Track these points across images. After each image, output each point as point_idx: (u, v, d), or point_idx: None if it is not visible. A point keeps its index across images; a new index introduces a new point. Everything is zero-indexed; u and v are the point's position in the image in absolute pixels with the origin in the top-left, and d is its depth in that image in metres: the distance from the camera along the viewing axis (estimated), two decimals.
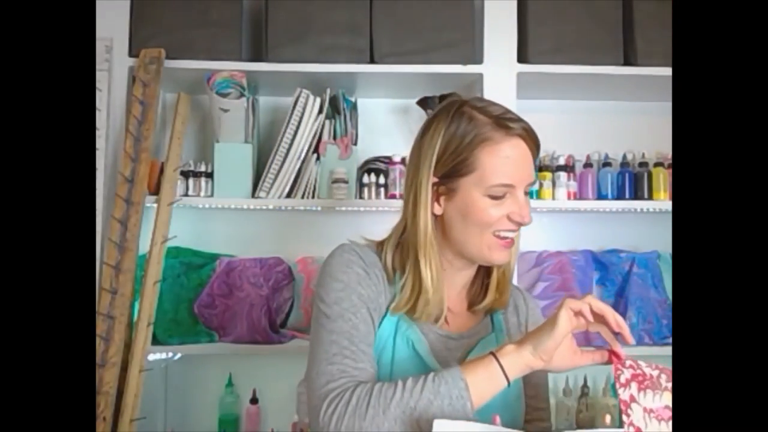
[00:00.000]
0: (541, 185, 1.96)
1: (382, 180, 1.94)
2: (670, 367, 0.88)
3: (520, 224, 1.02)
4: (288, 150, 1.86)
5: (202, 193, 1.90)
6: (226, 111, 1.84)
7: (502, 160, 0.99)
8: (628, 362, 0.91)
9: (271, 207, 1.93)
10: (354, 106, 1.99)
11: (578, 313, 0.92)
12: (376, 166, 1.98)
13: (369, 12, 1.86)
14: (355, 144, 1.96)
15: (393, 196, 1.89)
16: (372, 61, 1.87)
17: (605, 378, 1.99)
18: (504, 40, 1.90)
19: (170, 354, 1.95)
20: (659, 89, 1.97)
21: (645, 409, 0.87)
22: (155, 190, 1.83)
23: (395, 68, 1.87)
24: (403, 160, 1.89)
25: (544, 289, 1.95)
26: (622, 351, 0.93)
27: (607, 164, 2.01)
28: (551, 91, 2.07)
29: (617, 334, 0.93)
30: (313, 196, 1.88)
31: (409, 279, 1.02)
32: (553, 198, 1.96)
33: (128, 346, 1.71)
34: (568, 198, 1.96)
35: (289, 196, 1.87)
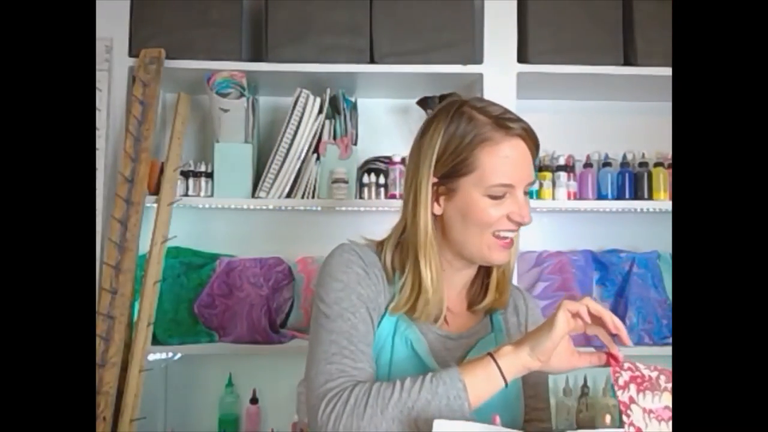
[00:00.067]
0: (541, 185, 1.96)
1: (382, 180, 1.94)
2: (670, 368, 0.89)
3: (519, 224, 1.02)
4: (288, 150, 1.86)
5: (202, 193, 1.90)
6: (226, 111, 1.85)
7: (502, 160, 0.99)
8: (626, 365, 0.91)
9: (271, 207, 1.93)
10: (354, 106, 1.99)
11: (576, 315, 0.92)
12: (376, 166, 1.98)
13: (369, 12, 1.86)
14: (355, 144, 1.96)
15: (393, 196, 1.89)
16: (372, 61, 1.87)
17: (605, 378, 1.99)
18: (504, 40, 1.90)
19: (170, 354, 1.95)
20: (659, 89, 1.97)
21: (645, 410, 0.87)
22: (155, 190, 1.83)
23: (395, 68, 1.87)
24: (403, 160, 1.89)
25: (544, 289, 1.95)
26: (620, 354, 0.93)
27: (607, 164, 2.01)
28: (551, 91, 2.07)
29: (615, 336, 0.93)
30: (313, 196, 1.88)
31: (408, 279, 1.03)
32: (553, 198, 1.96)
33: (128, 346, 1.71)
34: (568, 198, 1.96)
35: (289, 196, 1.87)
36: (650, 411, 0.87)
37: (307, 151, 1.88)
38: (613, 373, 0.90)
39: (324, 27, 1.85)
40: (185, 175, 1.89)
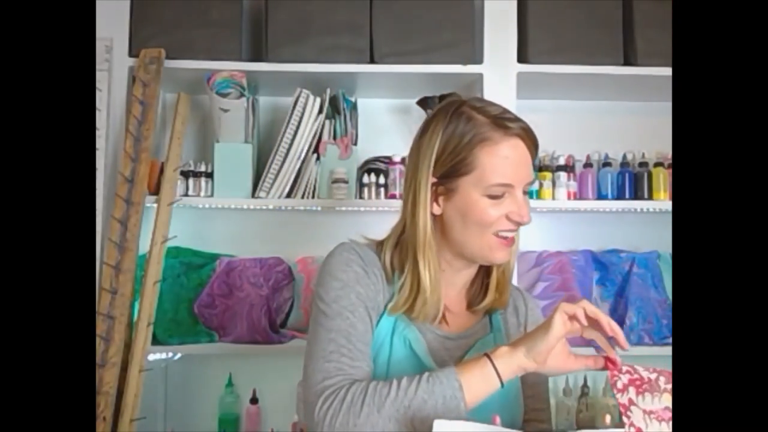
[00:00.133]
0: (541, 185, 1.96)
1: (382, 180, 1.94)
2: (669, 369, 0.89)
3: (519, 224, 1.02)
4: (288, 150, 1.86)
5: (202, 193, 1.90)
6: (226, 111, 1.85)
7: (501, 160, 0.99)
8: (625, 368, 0.91)
9: (271, 207, 1.93)
10: (354, 106, 1.99)
11: (572, 317, 0.92)
12: (376, 166, 1.98)
13: (369, 12, 1.86)
14: (355, 144, 1.96)
15: (393, 196, 1.89)
16: (372, 61, 1.87)
17: (605, 378, 1.98)
18: (504, 40, 1.90)
19: (170, 354, 1.95)
20: (659, 89, 1.97)
21: (645, 411, 0.87)
22: (155, 190, 1.82)
23: (395, 68, 1.87)
24: (403, 160, 1.89)
25: (544, 289, 1.95)
26: (617, 357, 0.93)
27: (607, 164, 2.01)
28: (551, 91, 2.07)
29: (611, 338, 0.93)
30: (313, 196, 1.88)
31: (407, 279, 1.03)
32: (553, 198, 1.96)
33: (128, 346, 1.71)
34: (568, 198, 1.96)
35: (289, 196, 1.87)
36: (650, 412, 0.87)
37: (307, 151, 1.88)
38: (611, 377, 0.91)
39: (324, 27, 1.85)
40: (185, 175, 1.89)
